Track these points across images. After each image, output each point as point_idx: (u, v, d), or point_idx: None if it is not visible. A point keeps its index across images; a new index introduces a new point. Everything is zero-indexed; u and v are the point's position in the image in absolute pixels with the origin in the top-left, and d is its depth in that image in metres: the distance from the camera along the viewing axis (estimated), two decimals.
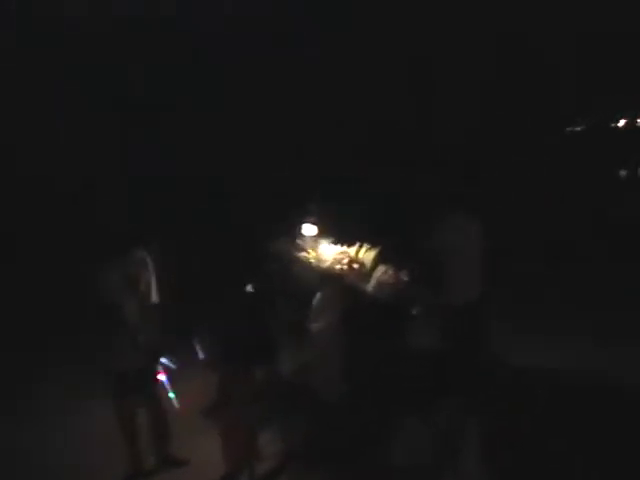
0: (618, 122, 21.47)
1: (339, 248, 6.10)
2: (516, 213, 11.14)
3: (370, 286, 5.69)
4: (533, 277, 9.26)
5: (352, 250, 6.02)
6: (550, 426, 5.71)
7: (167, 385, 5.92)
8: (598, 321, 7.87)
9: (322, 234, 6.23)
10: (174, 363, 5.72)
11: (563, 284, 9.09)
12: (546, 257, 10.11)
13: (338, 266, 5.93)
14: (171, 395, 5.95)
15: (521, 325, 7.64)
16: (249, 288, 5.24)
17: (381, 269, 5.73)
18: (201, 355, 5.50)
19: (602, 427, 5.71)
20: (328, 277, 5.90)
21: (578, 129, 20.26)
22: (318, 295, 5.94)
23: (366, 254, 5.95)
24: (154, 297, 5.41)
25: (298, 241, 6.21)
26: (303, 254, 6.11)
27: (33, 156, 10.99)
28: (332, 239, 6.22)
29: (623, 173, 20.73)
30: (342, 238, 6.15)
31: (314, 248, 6.15)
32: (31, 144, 11.23)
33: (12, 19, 11.48)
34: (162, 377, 5.76)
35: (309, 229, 6.19)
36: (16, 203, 10.87)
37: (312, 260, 6.04)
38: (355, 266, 5.91)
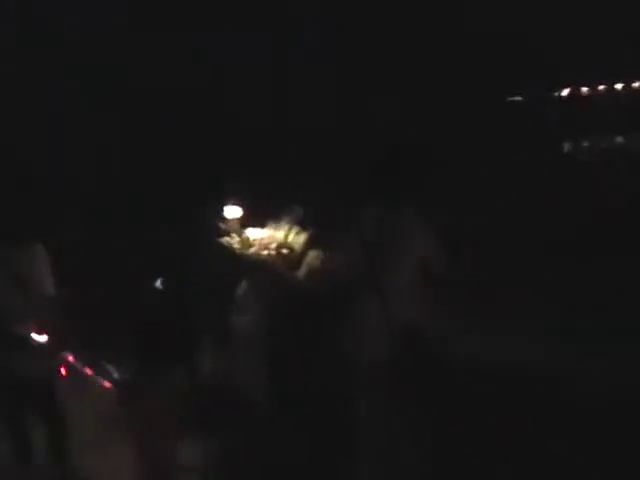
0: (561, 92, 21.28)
1: (266, 231, 5.57)
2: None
3: (300, 273, 5.27)
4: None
5: (281, 233, 5.52)
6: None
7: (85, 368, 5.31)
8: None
9: (247, 216, 5.70)
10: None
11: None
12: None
13: (265, 252, 5.43)
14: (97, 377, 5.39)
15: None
16: (159, 283, 4.72)
17: (312, 254, 5.29)
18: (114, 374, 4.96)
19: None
20: (253, 264, 5.43)
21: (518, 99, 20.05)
22: (242, 284, 5.55)
23: (296, 237, 5.47)
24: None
25: (220, 224, 5.66)
26: (225, 239, 5.54)
27: None
28: (259, 221, 5.65)
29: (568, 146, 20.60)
30: (271, 220, 5.63)
31: (238, 232, 5.58)
32: None
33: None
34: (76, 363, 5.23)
35: (232, 211, 5.64)
36: None
37: (236, 245, 5.49)
38: (284, 251, 5.42)
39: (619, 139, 20.73)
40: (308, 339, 5.07)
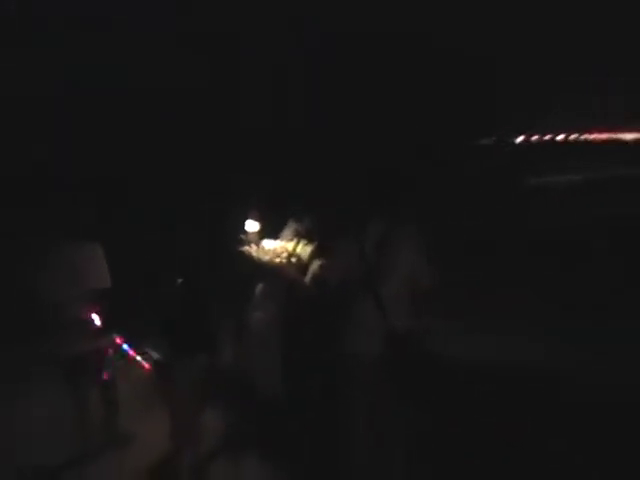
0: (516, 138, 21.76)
1: (279, 243, 5.80)
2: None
3: (307, 279, 5.44)
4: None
5: (291, 245, 5.74)
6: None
7: (129, 349, 5.62)
8: None
9: (264, 230, 5.98)
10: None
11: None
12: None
13: (277, 259, 5.65)
14: (138, 358, 5.64)
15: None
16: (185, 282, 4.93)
17: (317, 263, 5.46)
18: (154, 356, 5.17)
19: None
20: (268, 270, 5.63)
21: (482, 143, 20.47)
22: (259, 287, 5.75)
23: (303, 248, 5.68)
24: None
25: (241, 236, 5.93)
26: (245, 248, 5.79)
27: None
28: (273, 235, 5.91)
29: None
30: (284, 234, 5.87)
31: (256, 243, 5.85)
32: None
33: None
34: (123, 344, 5.48)
35: (252, 225, 5.93)
36: None
37: (253, 254, 5.73)
38: (293, 260, 5.64)
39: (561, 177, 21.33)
40: (312, 335, 5.20)
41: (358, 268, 4.59)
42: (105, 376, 5.32)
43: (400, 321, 4.53)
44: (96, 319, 5.16)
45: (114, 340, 5.39)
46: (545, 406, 5.80)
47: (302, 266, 5.58)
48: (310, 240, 5.70)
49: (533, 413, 5.70)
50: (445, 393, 5.34)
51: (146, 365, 5.53)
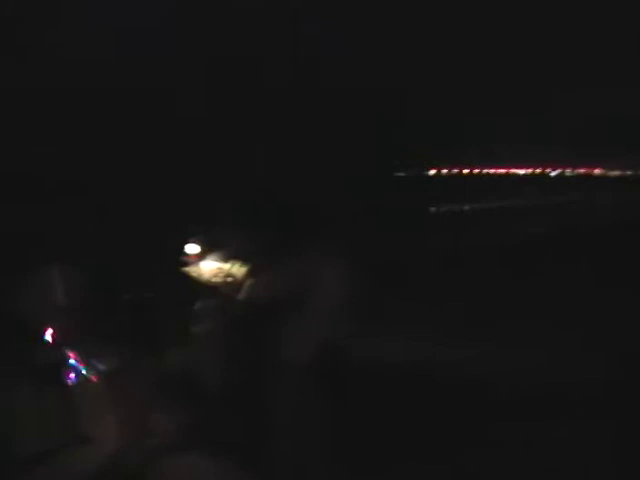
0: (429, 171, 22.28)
1: (217, 264, 5.86)
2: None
3: (241, 296, 5.52)
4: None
5: (227, 266, 5.80)
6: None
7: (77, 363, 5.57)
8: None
9: (204, 252, 6.05)
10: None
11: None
12: None
13: (215, 279, 5.75)
14: (84, 371, 5.59)
15: None
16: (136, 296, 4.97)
17: (250, 282, 5.55)
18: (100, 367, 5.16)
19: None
20: (208, 288, 5.73)
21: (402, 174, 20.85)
22: (199, 302, 5.80)
23: (239, 269, 5.75)
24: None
25: (183, 258, 6.00)
26: (187, 269, 5.86)
27: None
28: (213, 256, 5.95)
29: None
30: (222, 255, 5.90)
31: (195, 264, 5.91)
32: None
33: None
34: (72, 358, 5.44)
35: (192, 248, 6.00)
36: None
37: (194, 274, 5.81)
38: (229, 279, 5.73)
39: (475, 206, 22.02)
40: (247, 343, 5.24)
41: (288, 286, 4.77)
42: (65, 384, 5.29)
43: (325, 332, 4.72)
44: (52, 333, 5.15)
45: (68, 354, 5.36)
46: (451, 404, 5.92)
47: (237, 285, 5.64)
48: (245, 262, 5.73)
49: (444, 411, 5.80)
50: (364, 393, 5.42)
51: (93, 377, 5.52)
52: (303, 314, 4.72)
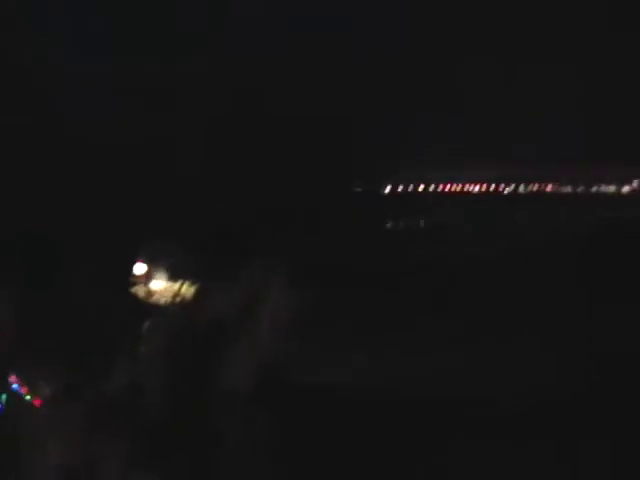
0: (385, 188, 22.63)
1: (166, 284, 5.77)
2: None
3: (190, 317, 5.48)
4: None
5: (176, 286, 5.72)
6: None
7: (20, 388, 5.39)
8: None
9: (152, 272, 5.98)
10: None
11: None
12: None
13: (164, 299, 5.68)
14: (28, 397, 5.42)
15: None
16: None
17: (199, 302, 5.50)
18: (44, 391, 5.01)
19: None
20: (154, 308, 5.65)
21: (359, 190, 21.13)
22: (146, 323, 5.64)
23: (188, 288, 5.67)
24: None
25: (130, 278, 5.92)
26: (134, 289, 5.79)
27: None
28: (162, 276, 5.88)
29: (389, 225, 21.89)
30: (171, 275, 5.81)
31: (144, 284, 5.85)
32: None
33: None
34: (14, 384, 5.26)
35: (139, 268, 5.92)
36: None
37: (142, 294, 5.74)
38: (178, 299, 5.64)
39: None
40: (194, 365, 5.17)
41: (233, 307, 4.82)
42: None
43: (269, 354, 4.73)
44: None
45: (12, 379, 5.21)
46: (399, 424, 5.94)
47: (186, 305, 5.58)
48: (194, 282, 5.66)
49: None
50: (305, 414, 5.45)
51: (37, 402, 5.37)
52: (250, 335, 4.76)
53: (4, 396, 5.19)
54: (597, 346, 8.44)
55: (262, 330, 4.72)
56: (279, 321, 4.78)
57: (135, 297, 5.75)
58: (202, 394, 5.10)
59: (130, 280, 5.88)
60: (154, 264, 5.87)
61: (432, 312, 9.78)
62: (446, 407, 6.23)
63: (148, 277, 5.84)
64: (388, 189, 22.62)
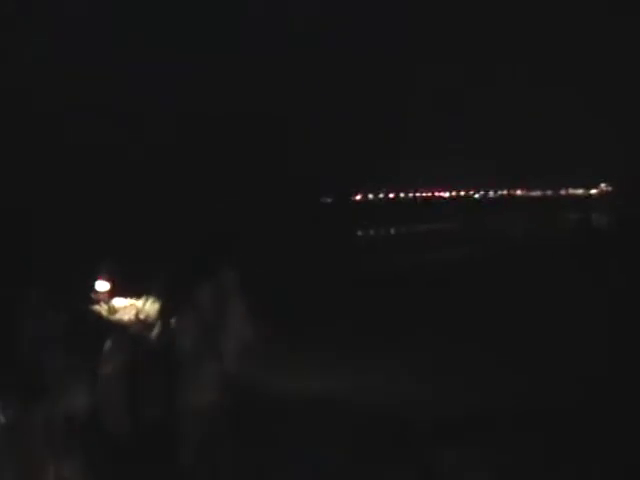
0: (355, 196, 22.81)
1: (129, 301, 5.68)
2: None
3: (153, 334, 5.39)
4: None
5: (140, 303, 5.63)
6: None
7: None
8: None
9: (115, 289, 5.88)
10: None
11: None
12: None
13: (126, 317, 5.55)
14: None
15: None
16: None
17: (162, 319, 5.39)
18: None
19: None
20: (117, 327, 5.51)
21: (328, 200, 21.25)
22: (108, 341, 5.48)
23: (151, 306, 5.57)
24: None
25: (92, 295, 5.82)
26: (96, 307, 5.65)
27: None
28: (124, 293, 5.78)
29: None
30: (133, 292, 5.75)
31: (106, 301, 5.75)
32: None
33: None
34: None
35: (102, 285, 5.82)
36: None
37: (103, 312, 5.60)
38: (141, 317, 5.54)
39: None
40: (157, 384, 5.11)
41: (195, 325, 4.74)
42: None
43: (232, 370, 4.68)
44: None
45: None
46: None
47: (149, 323, 5.48)
48: (158, 299, 5.58)
49: None
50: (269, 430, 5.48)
51: None
52: (213, 352, 4.69)
53: None
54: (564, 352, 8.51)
55: (226, 346, 4.65)
56: (243, 337, 4.72)
57: (97, 314, 5.60)
58: (166, 411, 5.00)
59: (92, 297, 5.73)
60: (116, 281, 5.76)
61: (403, 321, 9.78)
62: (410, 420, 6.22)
63: (110, 294, 5.72)
64: (358, 198, 22.74)
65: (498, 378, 7.32)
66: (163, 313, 5.46)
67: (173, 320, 5.25)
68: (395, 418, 6.39)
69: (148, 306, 5.62)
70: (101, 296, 5.72)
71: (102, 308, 5.66)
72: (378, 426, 6.16)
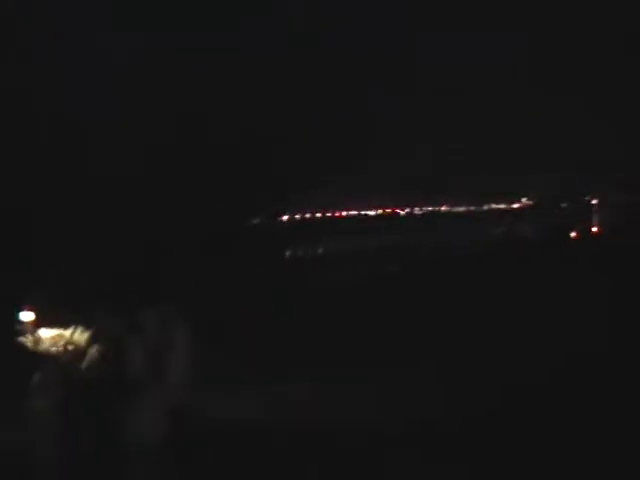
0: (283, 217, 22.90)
1: (56, 331, 5.51)
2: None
3: (84, 365, 5.25)
4: None
5: (68, 332, 5.47)
6: None
7: None
8: None
9: (40, 319, 5.68)
10: None
11: None
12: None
13: (54, 348, 5.39)
14: None
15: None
16: None
17: (94, 348, 5.28)
18: None
19: None
20: (45, 358, 5.35)
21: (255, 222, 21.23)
22: (36, 375, 5.35)
23: (80, 335, 5.43)
24: None
25: (17, 327, 5.60)
26: (22, 338, 5.49)
27: None
28: (50, 323, 5.67)
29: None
30: (61, 322, 5.58)
31: (32, 332, 5.56)
32: None
33: None
34: None
35: (27, 315, 5.62)
36: None
37: (30, 343, 5.43)
38: (70, 347, 5.39)
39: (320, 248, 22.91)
40: (92, 419, 4.99)
41: (140, 354, 4.65)
42: None
43: (178, 397, 4.61)
44: None
45: None
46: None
47: (79, 353, 5.35)
48: (87, 327, 5.45)
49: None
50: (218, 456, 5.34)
51: None
52: (154, 382, 4.58)
53: None
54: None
55: (168, 376, 4.61)
56: (185, 366, 4.67)
57: (22, 346, 5.45)
58: (106, 446, 4.89)
59: (16, 328, 5.57)
60: (43, 311, 5.59)
61: (339, 341, 9.83)
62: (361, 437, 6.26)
63: (36, 324, 5.55)
64: (285, 218, 22.83)
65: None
66: (94, 342, 5.34)
67: (105, 349, 5.15)
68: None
69: (77, 335, 5.47)
70: (26, 326, 5.55)
71: (27, 340, 5.50)
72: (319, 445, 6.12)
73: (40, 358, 5.39)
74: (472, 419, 6.55)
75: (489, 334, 10.15)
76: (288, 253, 22.05)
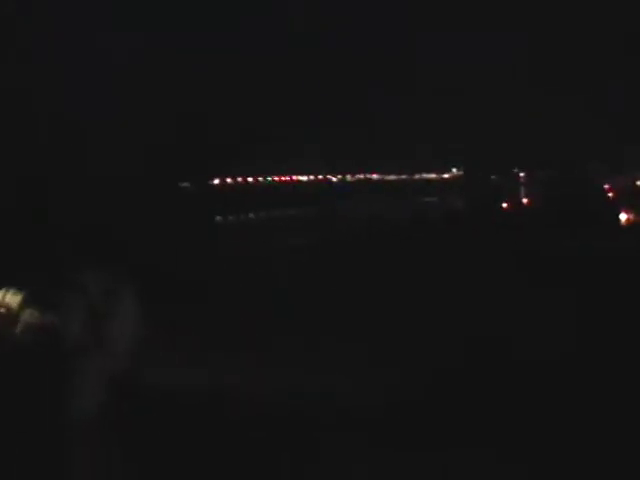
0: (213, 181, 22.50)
1: None
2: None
3: (17, 330, 4.67)
4: None
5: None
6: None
7: None
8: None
9: None
10: None
11: None
12: None
13: None
14: None
15: None
16: None
17: (28, 312, 4.70)
18: None
19: None
20: None
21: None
22: None
23: (12, 298, 4.84)
24: None
25: None
26: None
27: None
28: None
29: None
30: None
31: None
32: None
33: None
34: None
35: None
36: None
37: None
38: (1, 310, 4.80)
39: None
40: (30, 391, 4.51)
41: (80, 318, 4.22)
42: None
43: (121, 365, 4.21)
44: None
45: None
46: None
47: (12, 316, 4.76)
48: (19, 289, 4.98)
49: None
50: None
51: None
52: (96, 348, 4.20)
53: None
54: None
55: (111, 341, 4.16)
56: (128, 331, 4.26)
57: None
58: (48, 416, 4.44)
59: None
60: None
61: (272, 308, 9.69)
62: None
63: None
64: (216, 182, 22.43)
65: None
66: (29, 305, 4.81)
67: (41, 313, 4.67)
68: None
69: (9, 297, 4.88)
70: None
71: None
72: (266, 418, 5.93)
73: None
74: (401, 404, 6.42)
75: (414, 306, 10.11)
76: (217, 219, 21.64)
